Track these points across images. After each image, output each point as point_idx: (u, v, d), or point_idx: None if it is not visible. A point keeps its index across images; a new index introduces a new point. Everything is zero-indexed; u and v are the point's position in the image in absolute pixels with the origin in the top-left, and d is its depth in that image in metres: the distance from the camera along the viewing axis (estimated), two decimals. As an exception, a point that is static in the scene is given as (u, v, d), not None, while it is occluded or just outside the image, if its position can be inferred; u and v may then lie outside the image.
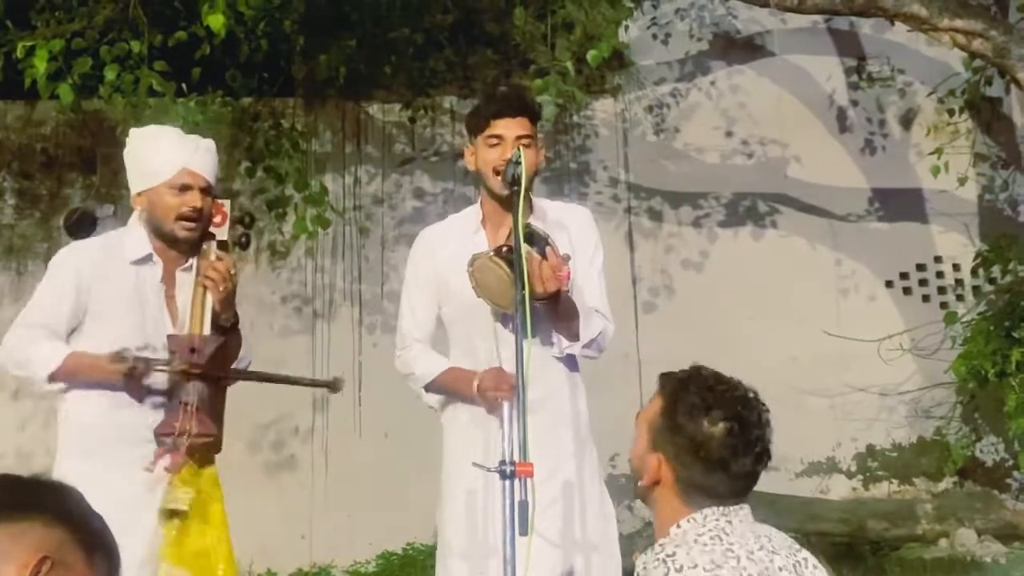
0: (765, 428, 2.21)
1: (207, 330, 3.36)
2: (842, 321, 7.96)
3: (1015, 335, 7.03)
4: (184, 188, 3.35)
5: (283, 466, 7.68)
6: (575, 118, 8.36)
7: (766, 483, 2.23)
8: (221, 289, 3.36)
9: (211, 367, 3.34)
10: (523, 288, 2.97)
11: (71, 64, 6.29)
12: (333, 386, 3.70)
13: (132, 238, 3.45)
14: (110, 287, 3.36)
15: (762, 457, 2.19)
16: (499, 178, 3.32)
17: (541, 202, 3.58)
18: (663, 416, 2.22)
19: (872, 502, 7.53)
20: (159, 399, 3.35)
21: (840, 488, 7.90)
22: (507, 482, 2.71)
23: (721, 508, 2.16)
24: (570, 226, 3.50)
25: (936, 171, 7.68)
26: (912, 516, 7.00)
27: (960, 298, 8.26)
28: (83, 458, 3.32)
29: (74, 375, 3.32)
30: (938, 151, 7.80)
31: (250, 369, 3.66)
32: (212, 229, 3.42)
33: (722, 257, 8.26)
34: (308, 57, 7.84)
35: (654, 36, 8.59)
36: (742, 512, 2.18)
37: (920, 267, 8.35)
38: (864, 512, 7.11)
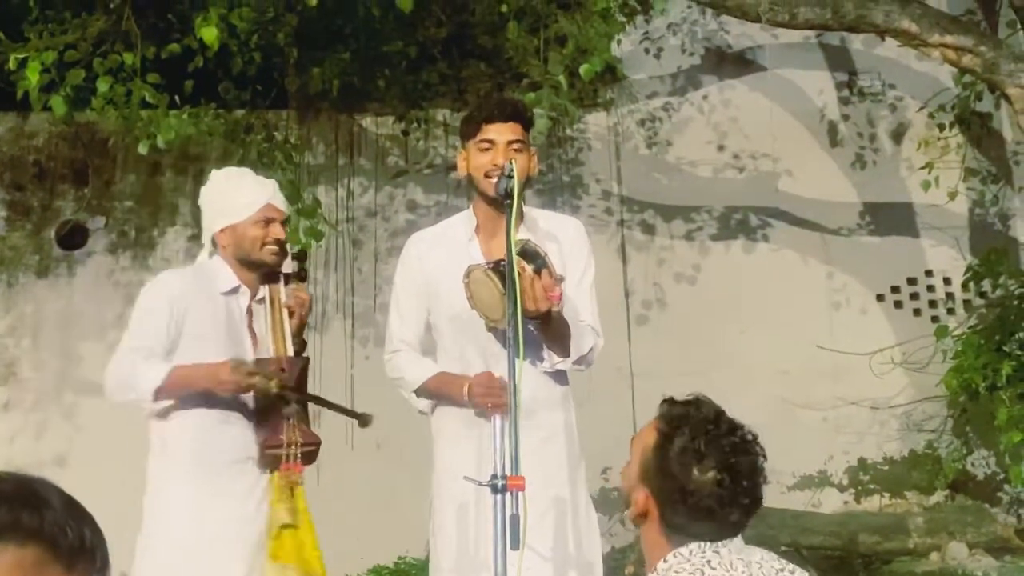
0: (757, 477, 2.13)
1: (290, 352, 3.61)
2: (834, 334, 7.97)
3: (1006, 349, 7.04)
4: (268, 221, 3.63)
5: (274, 479, 7.66)
6: (568, 131, 8.37)
7: (757, 496, 2.21)
8: (304, 313, 3.67)
9: (299, 386, 3.62)
10: (515, 304, 2.97)
11: (64, 76, 6.29)
12: (362, 420, 3.79)
13: (220, 271, 3.67)
14: (203, 315, 3.56)
15: (751, 508, 2.13)
16: (490, 180, 3.32)
17: (533, 212, 3.56)
18: (654, 454, 2.15)
19: (864, 515, 7.53)
20: (251, 417, 3.58)
21: (832, 501, 7.90)
22: (498, 496, 2.70)
23: (708, 544, 2.12)
24: (561, 238, 3.48)
25: (927, 185, 7.71)
26: (903, 530, 7.00)
27: (951, 312, 8.28)
28: (186, 482, 3.54)
29: (181, 388, 3.46)
30: (929, 166, 7.83)
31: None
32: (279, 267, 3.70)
33: (714, 270, 8.28)
34: (301, 70, 7.85)
35: (646, 50, 8.61)
36: (731, 543, 2.13)
37: (911, 281, 8.36)
38: (856, 525, 7.10)
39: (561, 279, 3.16)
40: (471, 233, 3.49)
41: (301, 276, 3.72)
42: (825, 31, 7.98)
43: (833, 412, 7.95)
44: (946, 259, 8.35)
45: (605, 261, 7.23)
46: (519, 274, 3.01)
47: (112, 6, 6.82)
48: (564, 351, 3.34)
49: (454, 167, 8.36)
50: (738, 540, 2.15)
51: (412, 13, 6.31)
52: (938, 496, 7.77)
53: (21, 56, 6.21)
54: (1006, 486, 7.76)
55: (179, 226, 8.14)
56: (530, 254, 3.15)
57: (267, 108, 8.03)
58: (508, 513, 2.68)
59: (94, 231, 8.09)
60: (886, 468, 8.00)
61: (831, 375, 7.90)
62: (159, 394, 3.45)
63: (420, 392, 3.51)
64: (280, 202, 3.72)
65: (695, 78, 8.70)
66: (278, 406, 3.52)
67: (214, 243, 3.72)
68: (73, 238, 8.08)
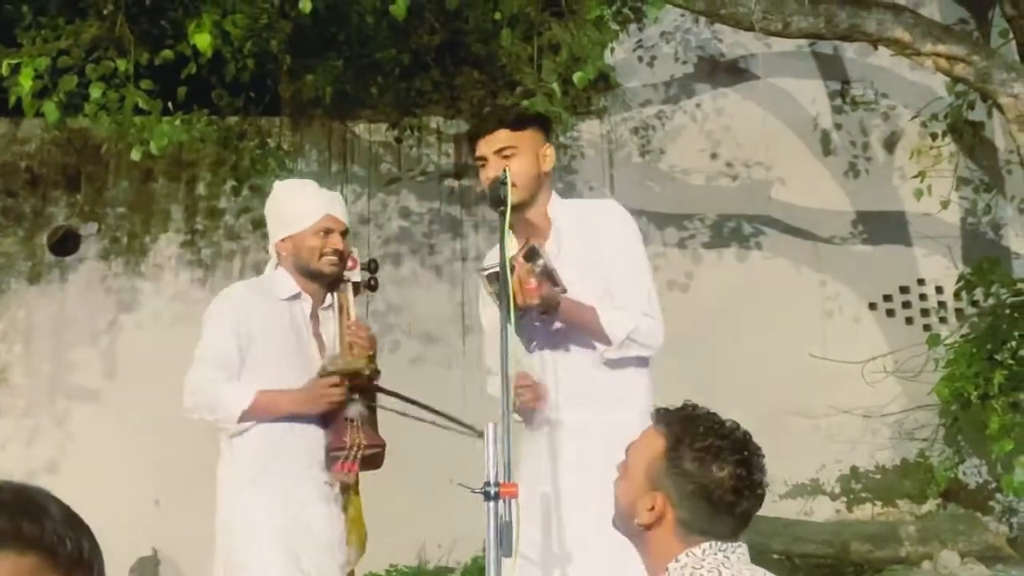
0: (764, 470, 2.21)
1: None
2: (826, 343, 7.98)
3: (997, 357, 7.05)
4: (327, 232, 3.66)
5: (266, 486, 7.64)
6: (561, 139, 8.37)
7: (749, 505, 2.23)
8: (368, 347, 3.64)
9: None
10: (508, 308, 2.98)
11: (57, 82, 6.28)
12: (476, 432, 3.66)
13: (281, 279, 3.73)
14: (266, 324, 3.62)
15: (761, 498, 2.20)
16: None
17: (562, 207, 3.52)
18: (667, 459, 2.17)
19: (856, 524, 7.53)
20: (319, 422, 3.58)
21: (824, 510, 7.91)
22: (491, 503, 2.70)
23: (719, 543, 2.14)
24: (591, 223, 3.47)
25: (919, 194, 7.72)
26: (895, 538, 7.00)
27: (943, 320, 8.29)
28: (255, 491, 3.51)
29: (265, 412, 3.52)
30: (921, 174, 7.84)
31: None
32: (345, 273, 3.72)
33: (707, 278, 8.28)
34: (294, 76, 7.85)
35: (640, 59, 8.62)
36: (740, 550, 2.16)
37: (903, 289, 8.38)
38: (848, 534, 7.10)
39: (546, 270, 3.13)
40: (512, 245, 3.45)
41: (371, 285, 3.75)
42: (818, 40, 8.00)
43: (825, 420, 7.96)
44: (938, 268, 8.36)
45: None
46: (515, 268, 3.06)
47: (105, 12, 6.81)
48: (603, 338, 3.30)
49: (448, 174, 8.43)
50: (744, 550, 2.17)
51: (405, 20, 6.30)
52: (930, 505, 7.78)
53: (14, 62, 6.19)
54: (998, 495, 7.77)
55: (171, 232, 8.13)
56: (531, 255, 3.17)
57: (260, 115, 8.03)
58: (501, 520, 2.68)
59: (86, 237, 8.08)
60: (878, 476, 8.01)
61: (823, 383, 7.91)
62: (244, 416, 3.51)
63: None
64: (340, 213, 3.74)
65: (688, 86, 8.71)
66: (340, 409, 3.55)
67: (277, 253, 3.77)
68: (65, 244, 8.07)
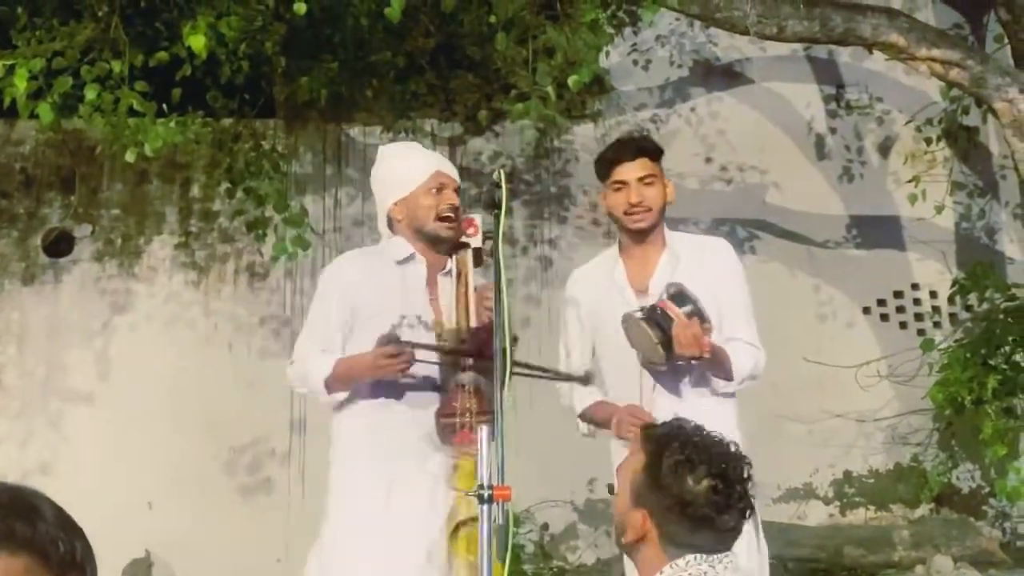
0: (748, 483, 2.19)
1: (474, 323, 3.46)
2: (820, 347, 7.98)
3: (991, 362, 7.06)
4: (440, 189, 3.58)
5: (259, 489, 7.64)
6: (556, 142, 8.38)
7: (743, 508, 2.22)
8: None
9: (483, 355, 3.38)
10: (501, 309, 3.00)
11: (51, 83, 6.26)
12: (585, 379, 3.63)
13: (394, 242, 3.63)
14: (377, 287, 3.52)
15: (745, 512, 2.18)
16: (629, 217, 3.57)
17: (675, 237, 3.73)
18: (646, 473, 2.19)
19: (849, 528, 7.54)
20: (430, 393, 3.45)
21: (817, 514, 7.91)
22: (484, 506, 2.70)
23: (703, 555, 2.14)
24: (706, 261, 3.64)
25: (913, 199, 7.73)
26: (889, 543, 7.01)
27: (937, 325, 8.30)
28: (360, 473, 3.47)
29: (348, 379, 3.43)
30: (915, 179, 7.86)
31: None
32: (465, 239, 3.54)
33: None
34: (289, 79, 7.84)
35: (635, 62, 8.63)
36: (727, 559, 2.15)
37: (897, 294, 8.39)
38: (841, 538, 7.11)
39: (709, 329, 3.28)
40: (620, 268, 3.65)
41: (492, 253, 3.59)
42: (813, 44, 8.01)
43: (819, 425, 7.96)
44: (932, 272, 8.37)
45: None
46: (673, 319, 3.23)
47: (100, 14, 6.80)
48: (727, 375, 3.49)
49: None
50: (732, 558, 2.17)
51: (400, 23, 6.30)
52: (923, 509, 7.79)
53: (8, 63, 6.18)
54: (991, 499, 7.78)
55: (165, 234, 8.12)
56: (681, 298, 3.30)
57: (255, 117, 8.02)
58: (495, 523, 2.68)
59: (80, 239, 8.07)
60: (871, 481, 8.01)
61: (817, 387, 7.91)
62: (330, 387, 3.45)
63: (583, 417, 3.69)
64: (450, 169, 3.70)
65: (683, 90, 8.72)
66: (454, 376, 3.41)
67: (390, 222, 3.67)
68: (59, 246, 8.05)
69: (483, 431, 2.83)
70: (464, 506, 3.30)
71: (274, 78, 7.96)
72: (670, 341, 3.23)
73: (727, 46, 8.66)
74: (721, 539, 2.16)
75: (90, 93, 6.34)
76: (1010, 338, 7.10)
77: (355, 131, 8.42)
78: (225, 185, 7.70)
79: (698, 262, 3.60)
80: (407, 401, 3.45)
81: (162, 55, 6.69)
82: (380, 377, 3.38)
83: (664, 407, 3.38)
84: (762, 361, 3.61)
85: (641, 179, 3.58)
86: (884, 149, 8.71)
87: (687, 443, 2.18)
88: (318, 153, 8.37)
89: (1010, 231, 8.56)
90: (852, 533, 7.28)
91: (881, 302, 8.37)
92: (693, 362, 3.35)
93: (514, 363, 3.38)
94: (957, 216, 8.54)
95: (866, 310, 8.34)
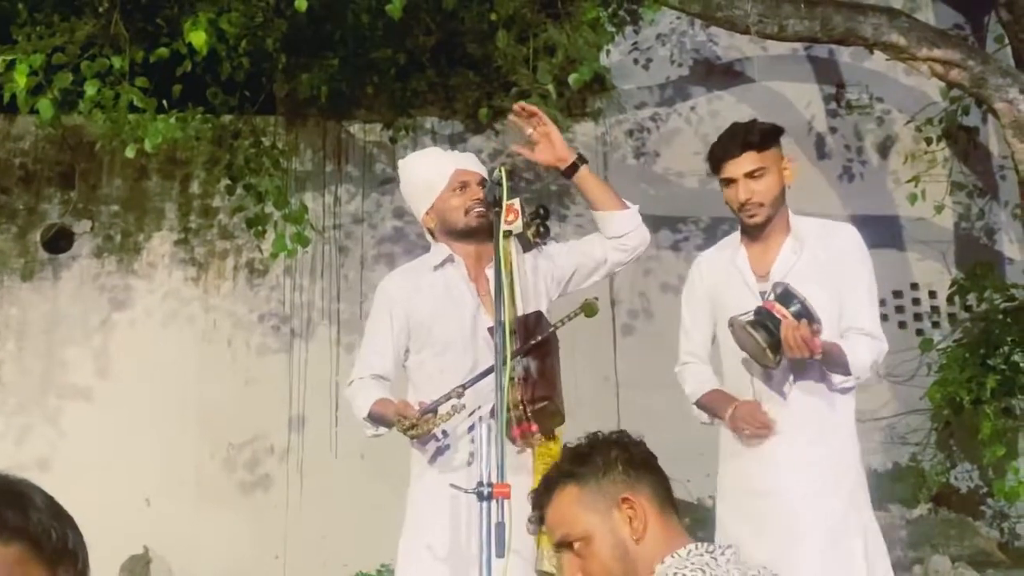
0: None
1: (520, 311, 3.38)
2: (819, 346, 7.97)
3: (990, 363, 7.06)
4: (464, 186, 3.56)
5: (258, 485, 7.64)
6: (556, 141, 8.37)
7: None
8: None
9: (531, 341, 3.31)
10: (502, 304, 3.01)
11: (51, 79, 6.26)
12: (588, 309, 3.31)
13: (433, 250, 3.64)
14: (423, 297, 3.52)
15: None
16: (742, 213, 3.56)
17: (801, 221, 3.66)
18: (583, 490, 2.17)
19: (847, 528, 7.52)
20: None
21: (815, 513, 7.90)
22: (484, 504, 2.70)
23: (706, 545, 2.12)
24: (832, 246, 3.58)
25: (913, 199, 7.73)
26: (886, 542, 7.00)
27: (936, 325, 8.30)
28: (425, 476, 3.41)
29: (383, 421, 3.38)
30: (915, 179, 7.86)
31: None
32: (505, 227, 3.37)
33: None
34: (290, 75, 7.84)
35: (635, 61, 8.63)
36: (728, 552, 2.12)
37: (897, 294, 8.39)
38: (839, 538, 7.10)
39: (818, 331, 3.21)
40: (742, 252, 3.64)
41: (539, 233, 3.40)
42: (813, 44, 8.01)
43: (818, 424, 7.95)
44: (932, 272, 8.37)
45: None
46: (780, 320, 3.19)
47: (101, 10, 6.80)
48: (844, 371, 3.41)
49: (442, 175, 8.41)
50: (734, 550, 2.14)
51: (401, 20, 6.30)
52: (921, 509, 7.78)
53: (9, 58, 6.18)
54: (989, 500, 7.78)
55: (165, 231, 8.12)
56: (787, 297, 3.24)
57: (255, 113, 8.01)
58: (495, 521, 2.68)
59: (80, 235, 8.06)
60: (870, 480, 8.00)
61: (816, 387, 7.90)
62: (373, 421, 3.41)
63: (699, 405, 3.67)
64: (470, 164, 3.69)
65: (683, 89, 8.72)
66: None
67: (428, 230, 3.68)
68: (58, 242, 8.05)
69: (483, 428, 2.83)
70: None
71: (274, 75, 7.96)
72: (778, 343, 3.19)
73: (727, 45, 8.66)
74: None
75: (90, 89, 6.34)
76: (1009, 338, 7.10)
77: (355, 128, 8.42)
78: (225, 181, 7.69)
79: (823, 246, 3.55)
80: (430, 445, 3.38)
81: (162, 51, 6.68)
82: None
83: (769, 407, 3.41)
84: (882, 353, 3.53)
85: (749, 174, 3.53)
86: (884, 149, 8.71)
87: (564, 453, 2.25)
88: (318, 150, 8.37)
89: (1009, 231, 8.56)
90: (850, 532, 7.27)
91: (880, 302, 8.32)
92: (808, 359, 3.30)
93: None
94: (957, 216, 8.54)
95: (865, 309, 8.33)
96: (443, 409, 3.17)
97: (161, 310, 7.92)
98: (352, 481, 7.34)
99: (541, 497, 2.22)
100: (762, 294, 3.40)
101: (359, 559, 7.18)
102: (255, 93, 7.85)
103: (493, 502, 2.71)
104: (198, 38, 6.11)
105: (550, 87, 6.39)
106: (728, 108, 8.62)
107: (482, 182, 3.58)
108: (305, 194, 8.08)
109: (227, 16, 6.55)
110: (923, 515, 7.71)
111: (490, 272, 3.42)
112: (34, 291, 7.94)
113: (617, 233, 3.59)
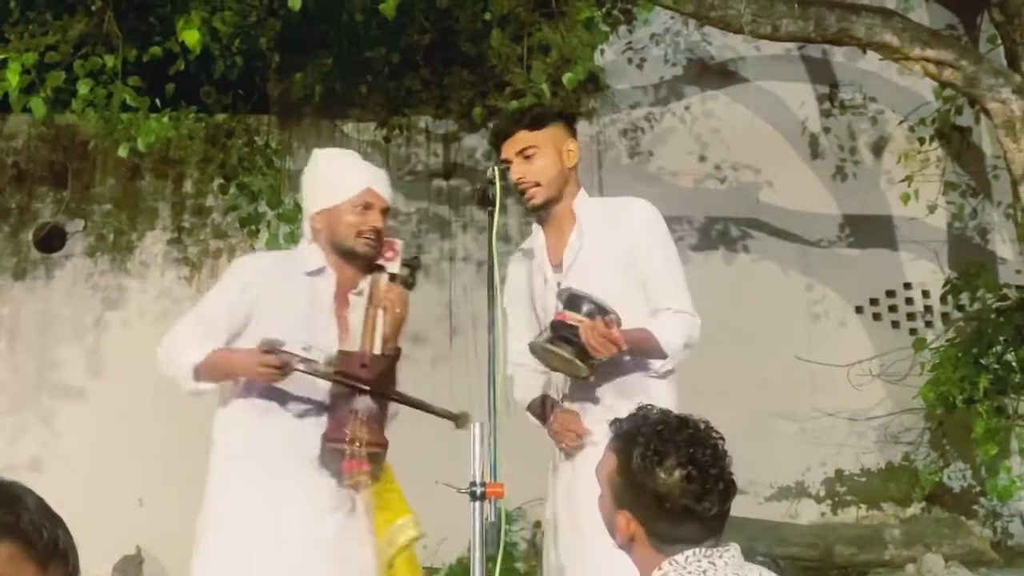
0: (722, 461, 2.10)
1: (377, 350, 3.30)
2: (812, 346, 7.99)
3: (983, 362, 7.07)
4: (367, 207, 3.38)
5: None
6: (550, 140, 8.37)
7: (735, 507, 2.16)
8: (397, 311, 3.33)
9: (378, 385, 3.28)
10: (494, 301, 3.00)
11: (44, 78, 6.25)
12: (459, 421, 3.26)
13: (307, 252, 3.45)
14: (282, 295, 3.34)
15: (727, 492, 2.10)
16: (524, 196, 3.41)
17: (586, 204, 3.49)
18: (619, 474, 2.13)
19: (840, 527, 7.55)
20: (319, 411, 3.27)
21: (809, 512, 7.92)
22: (476, 503, 2.70)
23: (703, 550, 2.08)
24: (620, 224, 3.42)
25: (906, 198, 7.74)
26: (880, 541, 7.02)
27: (929, 324, 8.32)
28: (234, 479, 3.26)
29: (219, 371, 3.22)
30: (908, 179, 7.87)
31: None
32: (383, 262, 3.37)
33: (694, 281, 8.18)
34: (283, 74, 7.84)
35: (629, 60, 8.63)
36: (727, 554, 2.09)
37: (890, 293, 8.40)
38: (832, 537, 7.12)
39: (612, 320, 3.05)
40: (540, 241, 3.51)
41: (407, 284, 3.37)
42: (807, 43, 8.02)
43: (811, 423, 7.97)
44: (925, 272, 8.39)
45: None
46: (576, 327, 3.03)
47: (94, 8, 6.79)
48: (660, 355, 3.29)
49: (436, 174, 8.42)
50: (734, 553, 2.11)
51: (395, 20, 6.29)
52: (915, 508, 7.81)
53: (1, 57, 6.17)
54: (982, 499, 7.80)
55: (158, 230, 8.11)
56: (575, 301, 3.10)
57: (248, 113, 8.01)
58: (487, 520, 2.68)
59: (72, 234, 8.05)
60: (863, 480, 8.03)
61: (809, 386, 7.93)
62: (198, 374, 3.21)
63: (530, 411, 3.51)
64: (383, 189, 3.45)
65: (677, 89, 8.72)
66: (347, 399, 3.22)
67: (312, 228, 3.48)
68: (51, 241, 8.04)
69: (477, 426, 2.82)
70: (400, 533, 3.26)
71: (268, 74, 7.96)
72: (584, 350, 3.04)
73: (721, 45, 8.67)
74: (707, 528, 2.09)
75: (83, 88, 6.33)
76: (1002, 338, 7.11)
77: (349, 127, 8.42)
78: (218, 181, 7.69)
79: (610, 227, 3.40)
80: (291, 410, 3.27)
81: (155, 50, 6.67)
82: (255, 375, 3.15)
83: (585, 416, 3.29)
84: (697, 327, 3.36)
85: (520, 152, 3.39)
86: (877, 149, 8.72)
87: (652, 435, 2.10)
88: (312, 149, 8.35)
89: (1002, 231, 8.57)
90: (844, 531, 7.29)
91: (873, 301, 8.38)
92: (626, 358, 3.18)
93: (391, 393, 3.34)
94: (950, 216, 8.56)
95: (858, 309, 8.35)
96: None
97: (154, 309, 7.90)
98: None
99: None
100: (559, 285, 3.27)
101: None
102: (248, 92, 7.85)
103: (485, 502, 2.70)
104: (191, 37, 6.10)
105: (544, 86, 6.39)
106: (722, 108, 8.63)
107: (386, 211, 3.43)
108: (299, 193, 8.06)
109: (220, 15, 6.54)
110: (916, 514, 7.73)
111: (352, 297, 3.37)
112: (27, 290, 7.92)
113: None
